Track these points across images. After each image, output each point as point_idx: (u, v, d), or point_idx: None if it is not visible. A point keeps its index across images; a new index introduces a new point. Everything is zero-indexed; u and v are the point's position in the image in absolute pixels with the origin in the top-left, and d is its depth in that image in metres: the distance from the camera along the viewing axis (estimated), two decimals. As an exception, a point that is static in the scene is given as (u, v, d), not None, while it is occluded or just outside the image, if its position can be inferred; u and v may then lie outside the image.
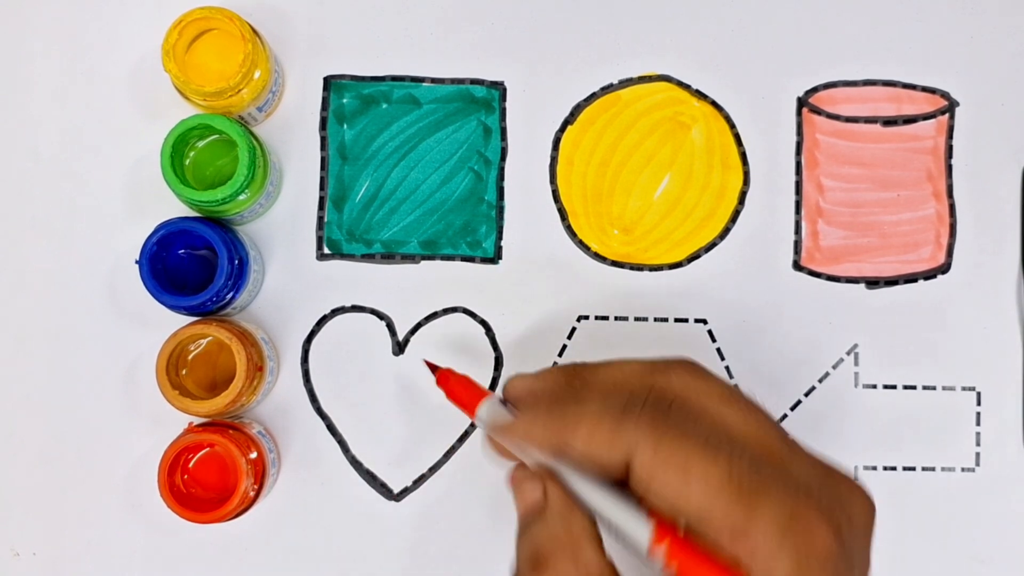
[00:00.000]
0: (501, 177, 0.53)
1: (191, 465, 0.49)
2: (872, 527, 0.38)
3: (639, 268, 0.53)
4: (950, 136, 0.54)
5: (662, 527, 0.36)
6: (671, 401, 0.37)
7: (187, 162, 0.49)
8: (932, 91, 0.54)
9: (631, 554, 0.37)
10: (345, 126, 0.53)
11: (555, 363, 0.52)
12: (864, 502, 0.38)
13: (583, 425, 0.37)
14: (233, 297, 0.49)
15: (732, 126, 0.53)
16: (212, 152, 0.50)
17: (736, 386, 0.40)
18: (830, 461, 0.38)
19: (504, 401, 0.42)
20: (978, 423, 0.53)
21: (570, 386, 0.40)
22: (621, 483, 0.37)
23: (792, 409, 0.53)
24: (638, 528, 0.36)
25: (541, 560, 0.37)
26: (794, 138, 0.53)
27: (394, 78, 0.53)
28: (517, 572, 0.38)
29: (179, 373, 0.49)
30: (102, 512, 0.51)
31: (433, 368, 0.45)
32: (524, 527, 0.38)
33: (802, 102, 0.53)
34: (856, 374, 0.53)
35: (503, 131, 0.53)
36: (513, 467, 0.40)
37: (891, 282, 0.53)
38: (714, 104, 0.53)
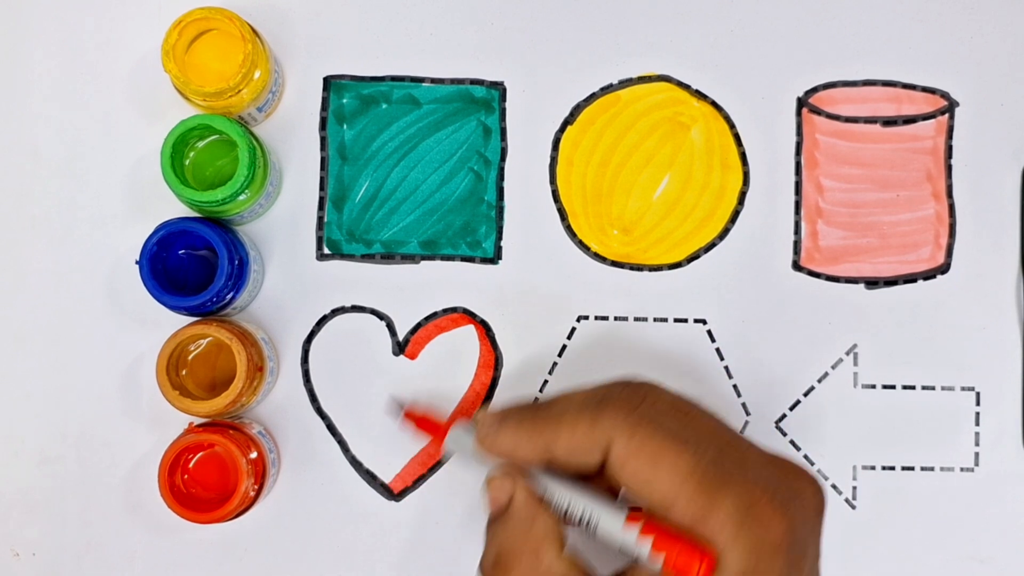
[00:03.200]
0: (501, 177, 0.53)
1: (191, 465, 0.49)
2: (822, 515, 0.41)
3: (639, 268, 0.53)
4: (950, 136, 0.54)
5: (635, 511, 0.39)
6: (643, 398, 0.40)
7: (187, 162, 0.49)
8: (932, 91, 0.54)
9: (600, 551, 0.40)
10: (345, 126, 0.53)
11: (555, 363, 0.52)
12: (815, 493, 0.41)
13: (565, 421, 0.40)
14: (233, 297, 0.49)
15: (732, 126, 0.53)
16: (212, 152, 0.50)
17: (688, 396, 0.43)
18: (783, 455, 0.41)
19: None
20: (977, 423, 0.53)
21: (540, 406, 0.43)
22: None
23: (791, 409, 0.53)
24: (613, 514, 0.39)
25: (504, 561, 0.40)
26: (794, 138, 0.53)
27: (394, 78, 0.53)
28: (483, 569, 0.41)
29: (179, 373, 0.49)
30: (102, 512, 0.51)
31: (396, 406, 0.47)
32: (490, 525, 0.41)
33: (802, 102, 0.53)
34: (855, 374, 0.53)
35: (503, 131, 0.53)
36: (489, 473, 0.42)
37: (890, 282, 0.53)
38: (714, 104, 0.53)
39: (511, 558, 0.40)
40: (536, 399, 0.52)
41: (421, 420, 0.46)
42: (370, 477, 0.52)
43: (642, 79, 0.53)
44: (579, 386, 0.43)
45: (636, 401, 0.40)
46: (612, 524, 0.39)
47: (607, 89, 0.53)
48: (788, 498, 0.39)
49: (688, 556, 0.37)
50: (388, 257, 0.52)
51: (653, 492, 0.38)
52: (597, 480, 0.41)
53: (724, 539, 0.37)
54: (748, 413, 0.53)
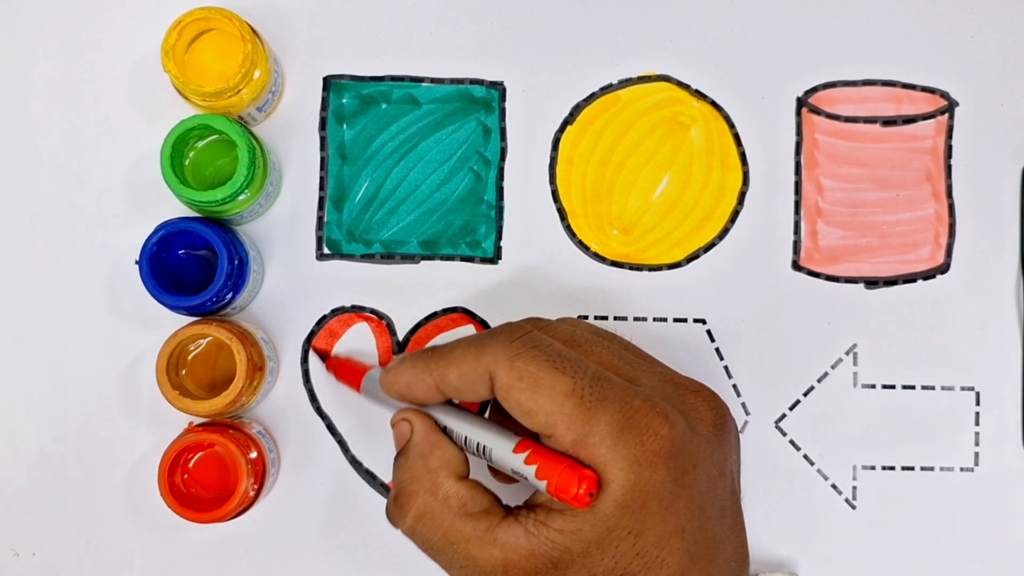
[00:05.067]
0: (501, 177, 0.53)
1: (191, 465, 0.49)
2: (722, 431, 0.41)
3: (638, 268, 0.53)
4: (949, 136, 0.54)
5: (525, 441, 0.39)
6: (528, 330, 0.41)
7: (187, 162, 0.49)
8: (932, 91, 0.54)
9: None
10: (345, 126, 0.53)
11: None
12: (711, 408, 0.41)
13: (455, 354, 0.41)
14: (233, 297, 0.49)
15: (731, 126, 0.53)
16: (212, 152, 0.50)
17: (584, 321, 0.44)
18: (682, 376, 0.42)
19: None
20: (977, 423, 0.53)
21: (436, 347, 0.44)
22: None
23: (791, 409, 0.53)
24: (504, 444, 0.39)
25: (403, 497, 0.41)
26: (793, 138, 0.53)
27: (394, 78, 0.53)
28: (387, 507, 0.42)
29: (179, 373, 0.49)
30: (102, 512, 0.51)
31: (322, 355, 0.52)
32: (395, 460, 0.42)
33: (801, 102, 0.53)
34: (855, 374, 0.53)
35: (503, 131, 0.53)
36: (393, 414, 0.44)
37: (890, 282, 0.53)
38: (713, 104, 0.53)
39: (409, 492, 0.41)
40: None
41: (341, 367, 0.49)
42: (370, 477, 0.52)
43: (642, 79, 0.53)
44: None
45: (520, 331, 0.40)
46: (503, 453, 0.40)
47: (607, 89, 0.53)
48: (673, 410, 0.39)
49: (567, 480, 0.37)
50: (388, 257, 0.52)
51: (537, 418, 0.38)
52: (500, 410, 0.42)
53: (603, 455, 0.37)
54: (748, 413, 0.53)
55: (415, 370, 0.42)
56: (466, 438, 0.41)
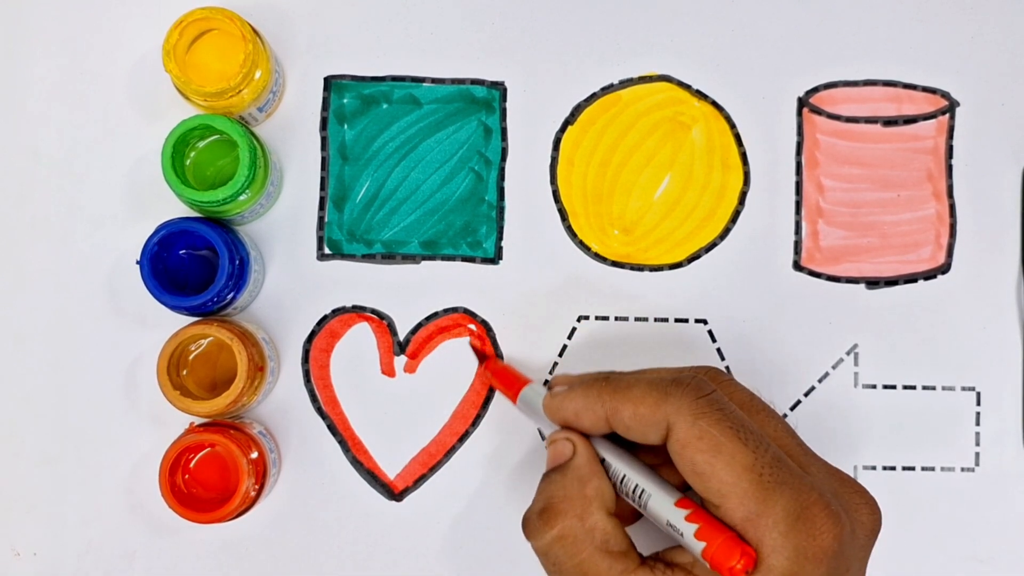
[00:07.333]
0: (501, 177, 0.53)
1: (192, 465, 0.49)
2: (875, 538, 0.40)
3: (639, 268, 0.53)
4: (950, 136, 0.54)
5: (687, 499, 0.39)
6: (712, 390, 0.40)
7: (188, 162, 0.49)
8: (932, 91, 0.54)
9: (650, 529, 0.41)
10: (346, 126, 0.53)
11: (555, 363, 0.52)
12: (871, 513, 0.40)
13: (634, 393, 0.40)
14: (234, 297, 0.49)
15: (732, 126, 0.53)
16: (213, 152, 0.50)
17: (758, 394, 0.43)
18: (843, 472, 0.41)
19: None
20: (978, 423, 0.53)
21: (611, 377, 0.43)
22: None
23: (792, 409, 0.53)
24: (664, 494, 0.40)
25: (551, 513, 0.40)
26: (794, 138, 0.53)
27: (394, 78, 0.53)
28: (527, 517, 0.41)
29: (180, 373, 0.49)
30: (102, 512, 0.51)
31: (481, 356, 0.52)
32: (545, 477, 0.42)
33: (802, 102, 0.53)
34: (856, 374, 0.53)
35: (503, 131, 0.53)
36: (552, 432, 0.44)
37: (891, 282, 0.53)
38: (714, 104, 0.53)
39: (559, 510, 0.40)
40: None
41: (500, 373, 0.50)
42: (371, 477, 0.52)
43: (643, 79, 0.53)
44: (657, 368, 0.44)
45: (706, 388, 0.40)
46: (662, 503, 0.40)
47: (608, 89, 0.53)
48: (843, 511, 0.38)
49: (728, 550, 0.37)
50: (389, 257, 0.52)
51: (709, 482, 0.38)
52: (655, 454, 0.42)
53: (772, 540, 0.37)
54: (749, 413, 0.53)
55: (587, 399, 0.42)
56: (624, 476, 0.41)
